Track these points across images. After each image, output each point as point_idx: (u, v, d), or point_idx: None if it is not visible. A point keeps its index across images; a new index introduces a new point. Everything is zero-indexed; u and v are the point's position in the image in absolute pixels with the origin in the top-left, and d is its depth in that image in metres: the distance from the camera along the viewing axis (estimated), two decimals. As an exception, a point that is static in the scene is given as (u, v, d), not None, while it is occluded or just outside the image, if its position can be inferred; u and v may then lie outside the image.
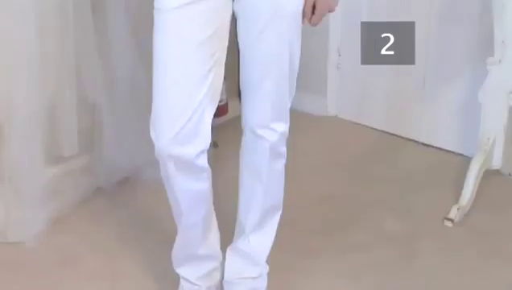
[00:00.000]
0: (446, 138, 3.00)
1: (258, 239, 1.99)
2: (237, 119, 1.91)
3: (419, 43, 2.88)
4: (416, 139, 3.08)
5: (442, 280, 2.24)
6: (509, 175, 2.80)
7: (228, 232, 2.06)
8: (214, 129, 1.84)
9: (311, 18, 1.76)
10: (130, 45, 2.54)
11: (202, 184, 1.84)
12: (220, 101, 2.15)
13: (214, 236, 2.00)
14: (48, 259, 2.29)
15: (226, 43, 1.76)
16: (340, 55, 3.24)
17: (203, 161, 1.79)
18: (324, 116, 3.30)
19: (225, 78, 1.82)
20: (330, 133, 3.19)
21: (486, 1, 2.61)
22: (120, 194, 2.62)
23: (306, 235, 2.43)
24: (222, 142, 2.75)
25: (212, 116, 1.77)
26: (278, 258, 2.08)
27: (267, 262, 2.03)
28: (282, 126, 1.86)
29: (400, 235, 2.46)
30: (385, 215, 2.57)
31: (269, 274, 2.05)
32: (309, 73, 2.98)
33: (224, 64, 1.78)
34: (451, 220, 2.50)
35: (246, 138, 1.89)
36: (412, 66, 2.93)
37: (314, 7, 1.74)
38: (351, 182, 2.78)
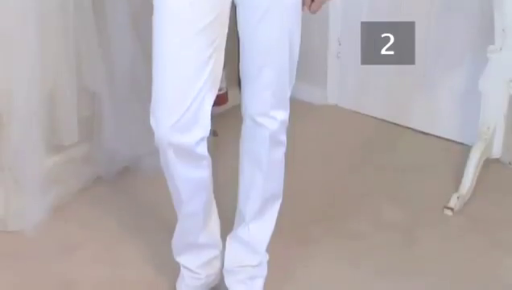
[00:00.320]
0: (446, 127, 2.99)
1: (257, 227, 1.99)
2: (237, 108, 1.91)
3: (419, 32, 2.87)
4: (416, 128, 3.07)
5: (441, 268, 2.24)
6: (510, 163, 2.80)
7: (228, 220, 2.05)
8: (214, 118, 1.83)
9: (310, 6, 1.75)
10: (131, 34, 2.53)
11: (202, 172, 1.83)
12: (219, 90, 2.15)
13: (214, 224, 2.00)
14: (48, 248, 2.30)
15: (226, 30, 1.75)
16: (340, 44, 3.23)
17: (203, 149, 1.78)
18: (324, 105, 3.30)
19: (224, 66, 1.82)
20: (330, 122, 3.19)
21: (487, -11, 2.61)
22: (120, 183, 2.62)
23: (306, 223, 2.43)
24: (222, 130, 2.75)
25: (211, 103, 1.76)
26: (278, 246, 2.08)
27: (267, 250, 2.03)
28: (282, 115, 1.86)
29: (400, 223, 2.46)
30: (384, 204, 2.57)
31: (269, 262, 2.05)
32: (309, 62, 2.98)
33: (224, 50, 1.77)
34: (451, 208, 2.51)
35: (246, 127, 1.88)
36: (412, 54, 2.93)
37: (314, -5, 1.73)
38: (351, 170, 2.78)
